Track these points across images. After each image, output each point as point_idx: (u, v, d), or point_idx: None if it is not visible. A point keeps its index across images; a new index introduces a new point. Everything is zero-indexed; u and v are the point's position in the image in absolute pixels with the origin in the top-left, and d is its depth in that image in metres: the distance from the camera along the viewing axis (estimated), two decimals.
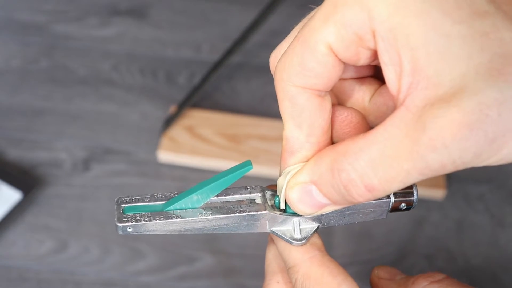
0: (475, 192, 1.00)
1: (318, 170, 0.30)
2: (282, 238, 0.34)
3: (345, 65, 0.30)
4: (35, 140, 1.03)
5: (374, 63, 0.30)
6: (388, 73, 0.28)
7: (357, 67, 0.34)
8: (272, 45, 0.33)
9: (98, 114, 1.07)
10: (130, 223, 0.34)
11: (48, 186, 0.97)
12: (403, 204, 0.35)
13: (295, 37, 0.30)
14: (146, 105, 1.08)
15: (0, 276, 0.88)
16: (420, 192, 0.96)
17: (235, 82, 1.12)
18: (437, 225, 0.96)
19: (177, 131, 1.02)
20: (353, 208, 0.35)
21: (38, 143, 1.02)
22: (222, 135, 1.02)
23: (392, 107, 0.32)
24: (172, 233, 0.34)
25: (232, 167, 0.35)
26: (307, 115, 0.31)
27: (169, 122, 1.02)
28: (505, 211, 0.98)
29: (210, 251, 0.92)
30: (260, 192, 0.36)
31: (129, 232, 0.34)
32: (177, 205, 0.34)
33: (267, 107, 1.08)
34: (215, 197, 0.35)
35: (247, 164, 0.34)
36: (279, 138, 0.33)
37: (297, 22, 0.33)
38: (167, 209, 0.34)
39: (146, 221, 0.34)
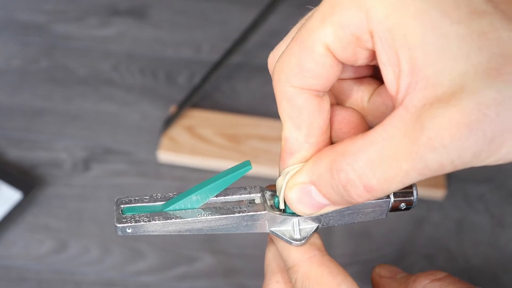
0: (475, 192, 1.00)
1: (317, 170, 0.30)
2: (282, 238, 0.34)
3: (344, 65, 0.30)
4: (35, 140, 1.03)
5: (373, 63, 0.30)
6: (387, 74, 0.28)
7: (355, 67, 0.34)
8: (272, 45, 0.33)
9: (98, 114, 1.07)
10: (129, 224, 0.34)
11: (48, 186, 0.97)
12: (403, 203, 0.35)
13: (293, 38, 0.30)
14: (146, 105, 1.08)
15: (0, 276, 0.88)
16: (420, 192, 0.96)
17: (235, 82, 1.12)
18: (437, 225, 0.96)
19: (177, 131, 1.02)
20: (353, 208, 0.35)
21: (38, 143, 1.02)
22: (222, 135, 1.03)
23: (391, 107, 0.32)
24: (172, 233, 0.34)
25: (231, 168, 0.35)
26: (306, 116, 0.31)
27: (169, 122, 1.02)
28: (505, 211, 0.98)
29: (210, 251, 0.92)
30: (259, 193, 0.36)
31: (129, 232, 0.34)
32: (176, 206, 0.34)
33: (267, 107, 1.08)
34: (215, 198, 0.35)
35: (246, 164, 0.34)
36: (279, 138, 0.33)
37: (296, 22, 0.33)
38: (167, 209, 0.34)
39: (146, 221, 0.34)
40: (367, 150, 0.28)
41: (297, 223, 0.34)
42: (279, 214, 0.34)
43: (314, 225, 0.35)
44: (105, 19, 1.21)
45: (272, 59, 0.33)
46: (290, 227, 0.34)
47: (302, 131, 0.32)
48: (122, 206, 0.35)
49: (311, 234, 0.34)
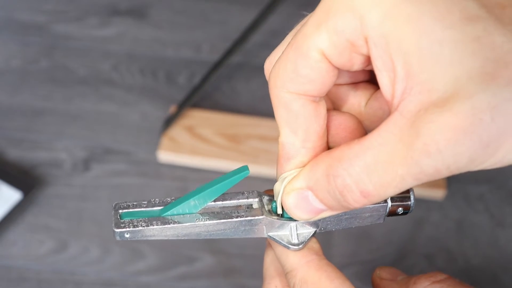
0: (475, 192, 1.00)
1: (314, 176, 0.30)
2: (280, 243, 0.34)
3: (340, 70, 0.30)
4: (35, 140, 1.03)
5: (369, 68, 0.30)
6: (382, 79, 0.28)
7: (352, 73, 0.34)
8: (272, 45, 0.33)
9: (98, 114, 1.07)
10: (127, 229, 0.34)
11: (48, 186, 0.97)
12: (400, 208, 0.35)
13: (288, 43, 0.30)
14: (146, 105, 1.08)
15: (0, 276, 0.88)
16: (420, 192, 0.96)
17: (235, 82, 1.12)
18: (437, 225, 0.96)
19: (177, 131, 1.02)
20: (350, 213, 0.35)
21: (38, 143, 1.02)
22: (222, 135, 1.03)
23: (388, 112, 0.33)
24: (170, 238, 0.34)
25: (229, 173, 0.35)
26: (302, 121, 0.31)
27: (169, 122, 1.02)
28: (505, 211, 0.98)
29: (210, 251, 0.92)
30: (257, 197, 0.36)
31: (127, 237, 0.34)
32: (174, 211, 0.34)
33: (267, 107, 1.08)
34: (213, 203, 0.35)
35: (244, 169, 0.34)
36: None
37: (296, 22, 0.33)
38: (165, 214, 0.34)
39: (144, 226, 0.34)
40: (363, 156, 0.28)
41: (295, 228, 0.34)
42: (277, 219, 0.34)
43: (311, 230, 0.35)
44: (105, 19, 1.21)
45: (269, 64, 0.33)
46: (288, 232, 0.35)
47: (299, 136, 0.32)
48: (120, 211, 0.35)
49: (308, 239, 0.34)
